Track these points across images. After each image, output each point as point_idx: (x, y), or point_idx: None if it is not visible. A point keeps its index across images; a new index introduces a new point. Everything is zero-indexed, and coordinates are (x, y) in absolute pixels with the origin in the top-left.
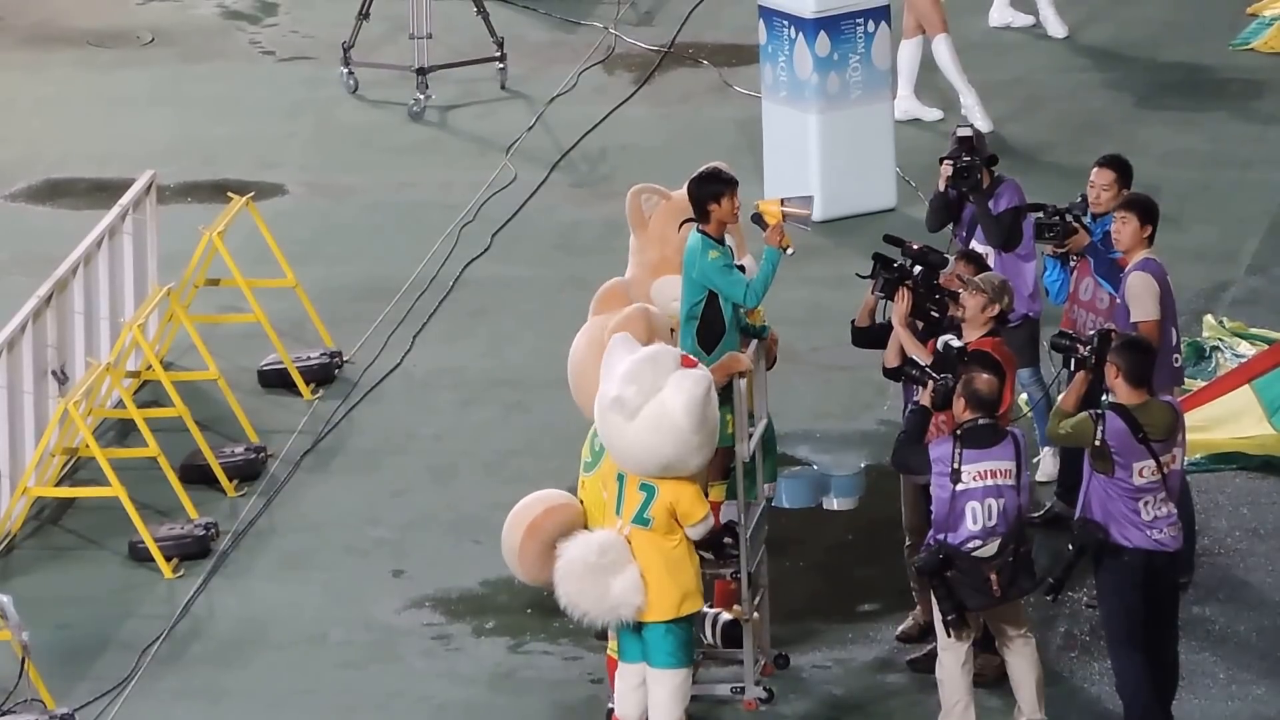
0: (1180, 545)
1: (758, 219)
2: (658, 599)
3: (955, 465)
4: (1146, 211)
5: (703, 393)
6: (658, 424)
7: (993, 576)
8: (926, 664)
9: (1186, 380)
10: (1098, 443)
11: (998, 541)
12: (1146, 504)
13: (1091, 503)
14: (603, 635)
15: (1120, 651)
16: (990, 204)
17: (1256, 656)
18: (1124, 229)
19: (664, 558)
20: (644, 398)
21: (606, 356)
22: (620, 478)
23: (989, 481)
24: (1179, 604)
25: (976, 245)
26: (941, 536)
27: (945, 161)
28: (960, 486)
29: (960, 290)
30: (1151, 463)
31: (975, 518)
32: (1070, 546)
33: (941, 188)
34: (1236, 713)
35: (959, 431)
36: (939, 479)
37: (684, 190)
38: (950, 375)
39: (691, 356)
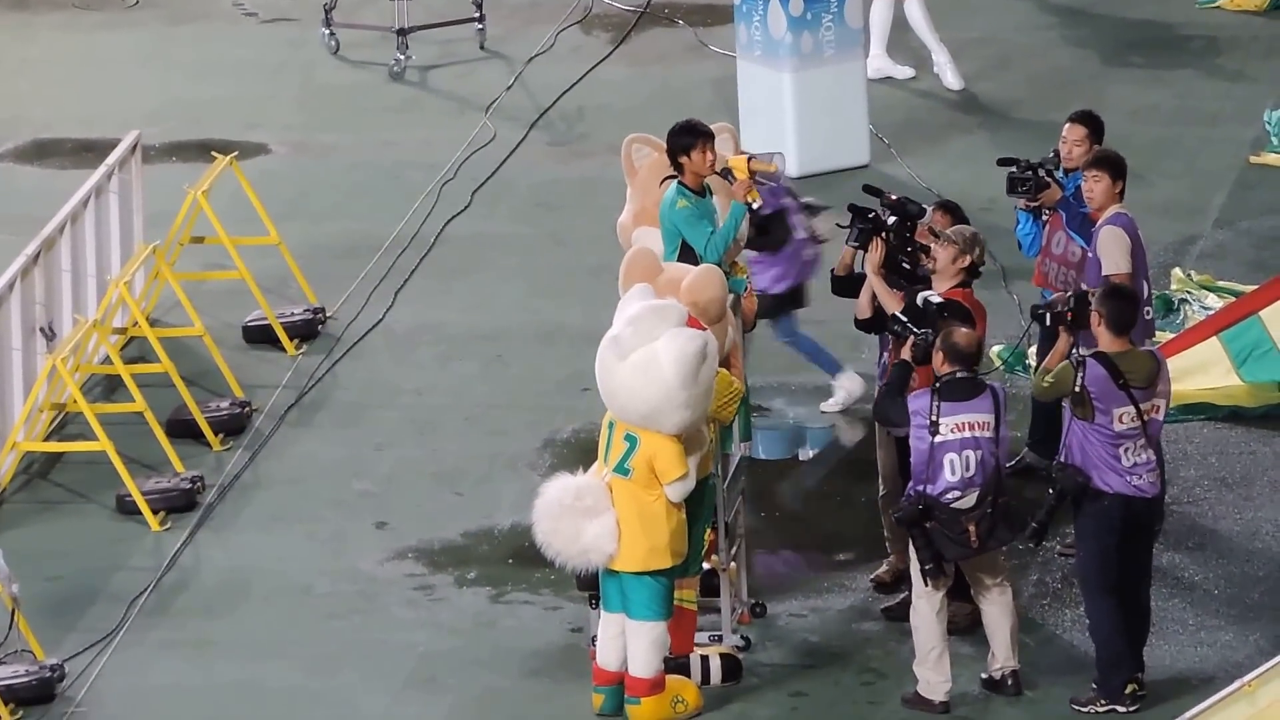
0: (1159, 491)
1: (726, 173)
2: (627, 549)
3: (933, 418)
4: (1116, 168)
5: (695, 350)
6: (646, 371)
7: (971, 528)
8: (900, 612)
9: (1156, 333)
10: (1077, 389)
11: (976, 493)
12: (1126, 450)
13: (1072, 448)
14: (584, 585)
15: (1095, 596)
16: None
17: (1224, 603)
18: (1096, 187)
19: (639, 510)
20: (639, 341)
21: (622, 301)
22: (610, 425)
23: (966, 434)
24: (1153, 551)
25: None
26: (921, 488)
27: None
28: (938, 438)
29: (931, 243)
30: (1131, 409)
31: (953, 469)
32: (1050, 491)
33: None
34: (1205, 658)
35: (937, 384)
36: (918, 431)
37: None
38: (931, 331)
39: (700, 320)
